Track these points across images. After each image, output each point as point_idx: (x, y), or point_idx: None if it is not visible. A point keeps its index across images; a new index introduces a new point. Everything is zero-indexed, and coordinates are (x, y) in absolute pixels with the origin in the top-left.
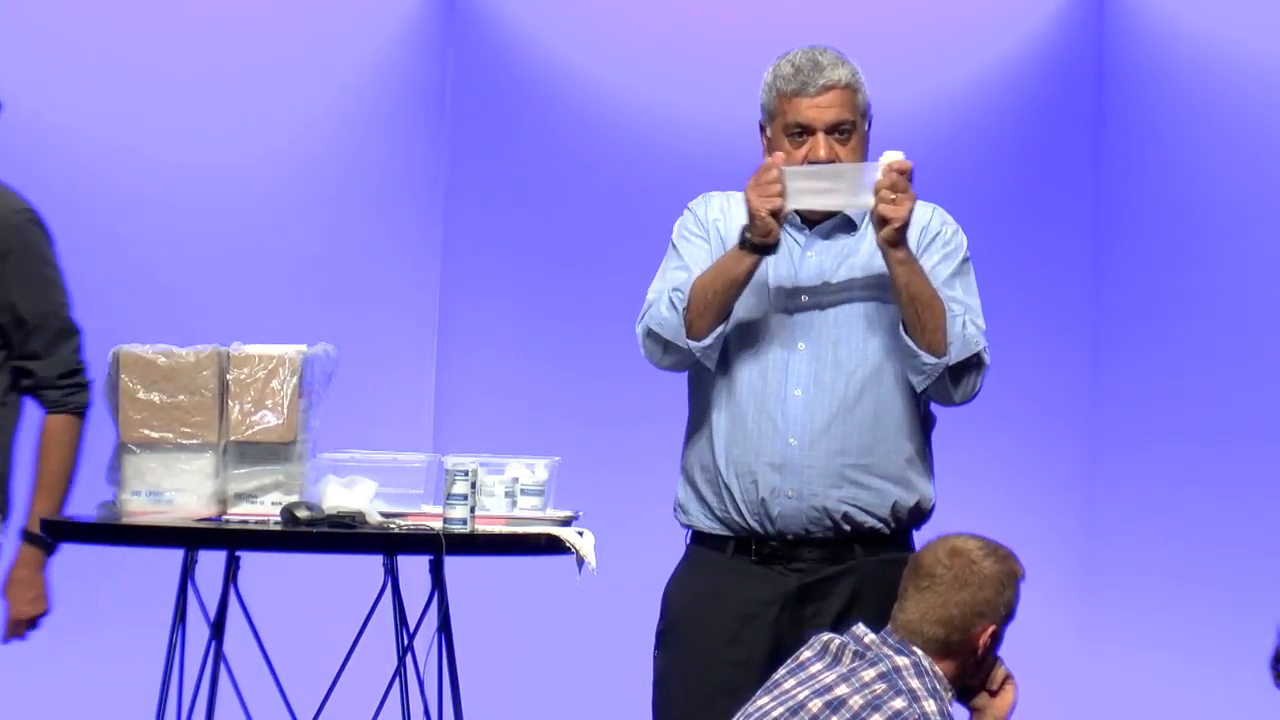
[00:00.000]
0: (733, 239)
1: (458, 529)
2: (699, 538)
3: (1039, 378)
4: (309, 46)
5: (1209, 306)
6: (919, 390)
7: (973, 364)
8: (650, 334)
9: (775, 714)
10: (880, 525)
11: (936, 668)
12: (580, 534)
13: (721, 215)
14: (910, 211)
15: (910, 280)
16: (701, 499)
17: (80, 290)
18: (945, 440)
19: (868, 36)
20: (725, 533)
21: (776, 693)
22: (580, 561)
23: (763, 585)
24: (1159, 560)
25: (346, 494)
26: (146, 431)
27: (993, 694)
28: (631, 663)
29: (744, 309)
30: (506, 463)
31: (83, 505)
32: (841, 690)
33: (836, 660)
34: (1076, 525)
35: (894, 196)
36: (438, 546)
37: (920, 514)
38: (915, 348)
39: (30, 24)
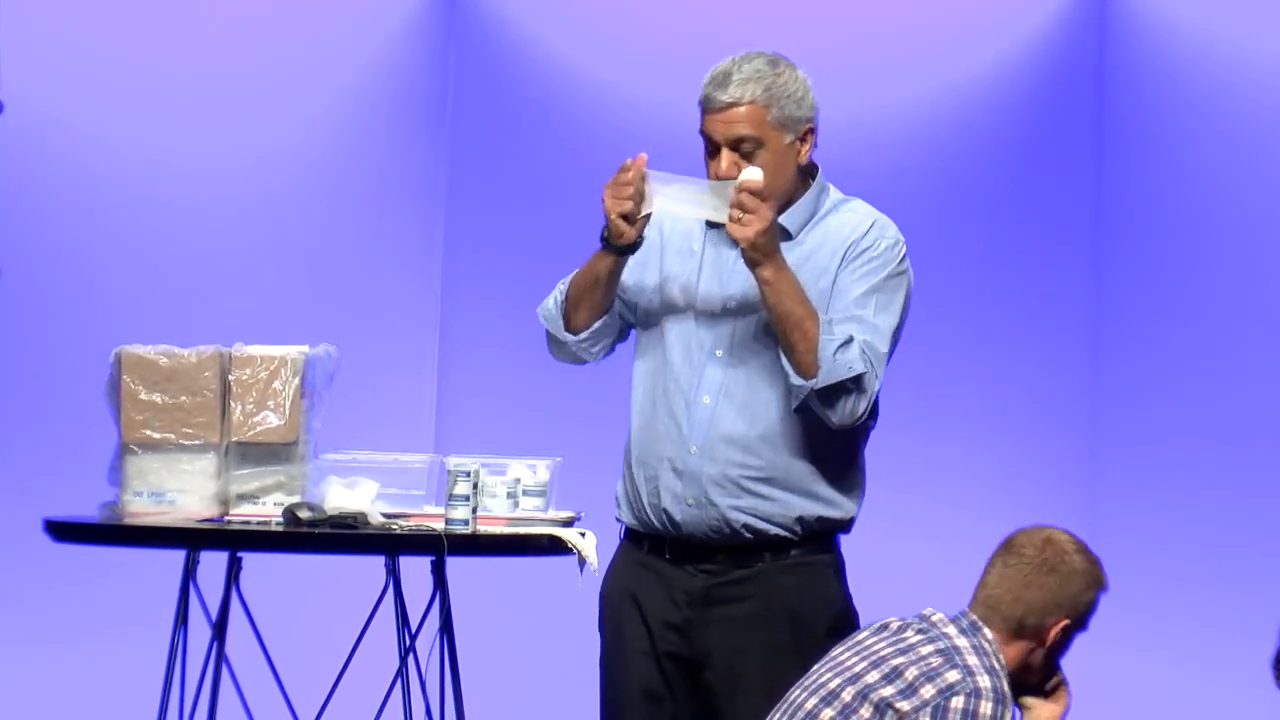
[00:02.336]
0: (667, 232)
1: (459, 530)
2: (626, 532)
3: (1039, 378)
4: (309, 46)
5: (1209, 306)
6: (793, 408)
7: (848, 388)
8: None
9: (832, 684)
10: (786, 534)
11: (1000, 654)
12: (582, 535)
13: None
14: (759, 232)
15: (777, 301)
16: (625, 494)
17: (81, 290)
18: (946, 439)
19: (868, 37)
20: (642, 530)
21: (831, 664)
22: (582, 562)
23: (674, 585)
24: (1159, 560)
25: (348, 495)
26: (148, 432)
27: (1046, 696)
28: None
29: (671, 310)
30: (508, 463)
31: (85, 506)
32: (897, 661)
33: (895, 639)
34: (1076, 525)
35: (741, 216)
36: (440, 547)
37: (838, 525)
38: (786, 366)
39: (31, 25)
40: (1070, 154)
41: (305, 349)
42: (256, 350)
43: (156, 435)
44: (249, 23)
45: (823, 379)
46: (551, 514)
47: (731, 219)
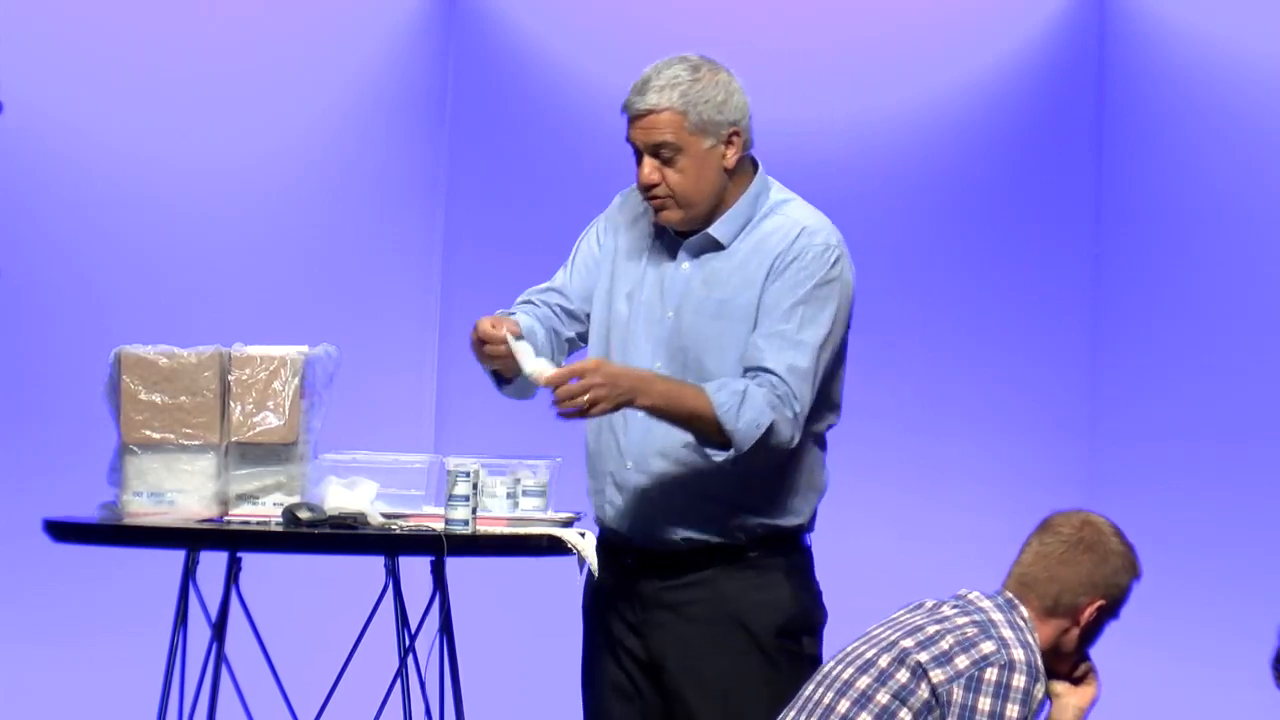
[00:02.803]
0: (617, 238)
1: (459, 530)
2: (599, 535)
3: (1039, 378)
4: (309, 46)
5: (1208, 306)
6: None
7: (765, 439)
8: None
9: (868, 654)
10: (731, 542)
11: (1035, 632)
12: (582, 535)
13: (623, 209)
14: (606, 400)
15: (667, 413)
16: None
17: (81, 290)
18: (945, 439)
19: (868, 37)
20: (604, 533)
21: (867, 638)
22: (582, 563)
23: (632, 589)
24: (1158, 560)
25: (348, 495)
26: (148, 432)
27: (1075, 683)
28: None
29: (617, 321)
30: (508, 464)
31: (84, 506)
32: (933, 629)
33: (931, 613)
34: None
35: (580, 403)
36: (439, 547)
37: (786, 531)
38: (707, 451)
39: (31, 25)
40: (1070, 154)
41: (305, 349)
42: (256, 350)
43: (156, 435)
44: (249, 23)
45: (740, 445)
46: (551, 514)
47: (578, 408)
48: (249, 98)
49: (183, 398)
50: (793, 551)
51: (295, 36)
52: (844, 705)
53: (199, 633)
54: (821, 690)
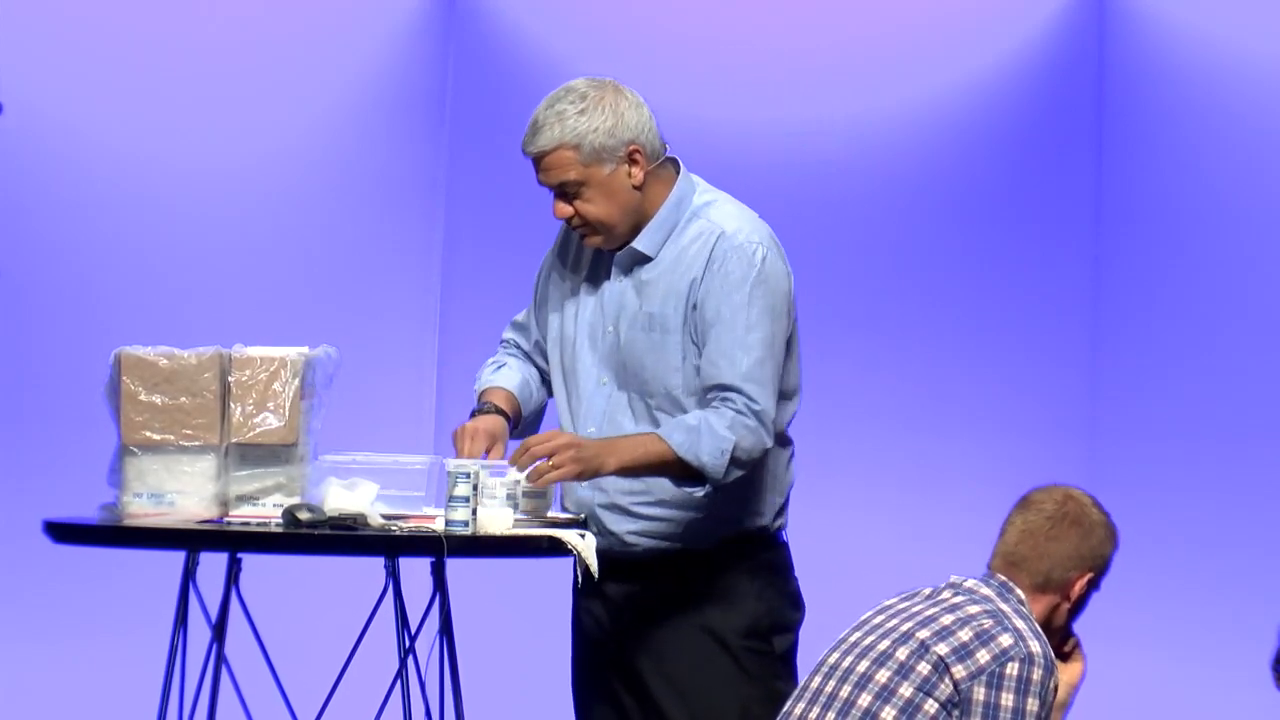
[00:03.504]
0: (563, 261)
1: (459, 531)
2: None
3: (1039, 378)
4: (309, 46)
5: (1209, 307)
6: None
7: (736, 458)
8: None
9: (881, 646)
10: (691, 548)
11: (1032, 614)
12: (582, 536)
13: (567, 236)
14: (581, 470)
15: (638, 469)
16: None
17: (80, 291)
18: (945, 439)
19: (868, 37)
20: None
21: (868, 628)
22: (582, 564)
23: (605, 594)
24: (1158, 560)
25: (348, 496)
26: (148, 433)
27: (1063, 659)
28: None
29: (567, 343)
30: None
31: (84, 507)
32: (947, 619)
33: (935, 602)
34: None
35: (551, 472)
36: (439, 548)
37: (750, 532)
38: (688, 490)
39: (31, 25)
40: (1070, 154)
41: (305, 350)
42: (256, 351)
43: (156, 436)
44: (249, 23)
45: (713, 476)
46: (551, 516)
47: (551, 476)
48: (249, 98)
49: (183, 399)
50: (761, 550)
51: (295, 36)
52: (865, 699)
53: (199, 634)
54: (833, 683)
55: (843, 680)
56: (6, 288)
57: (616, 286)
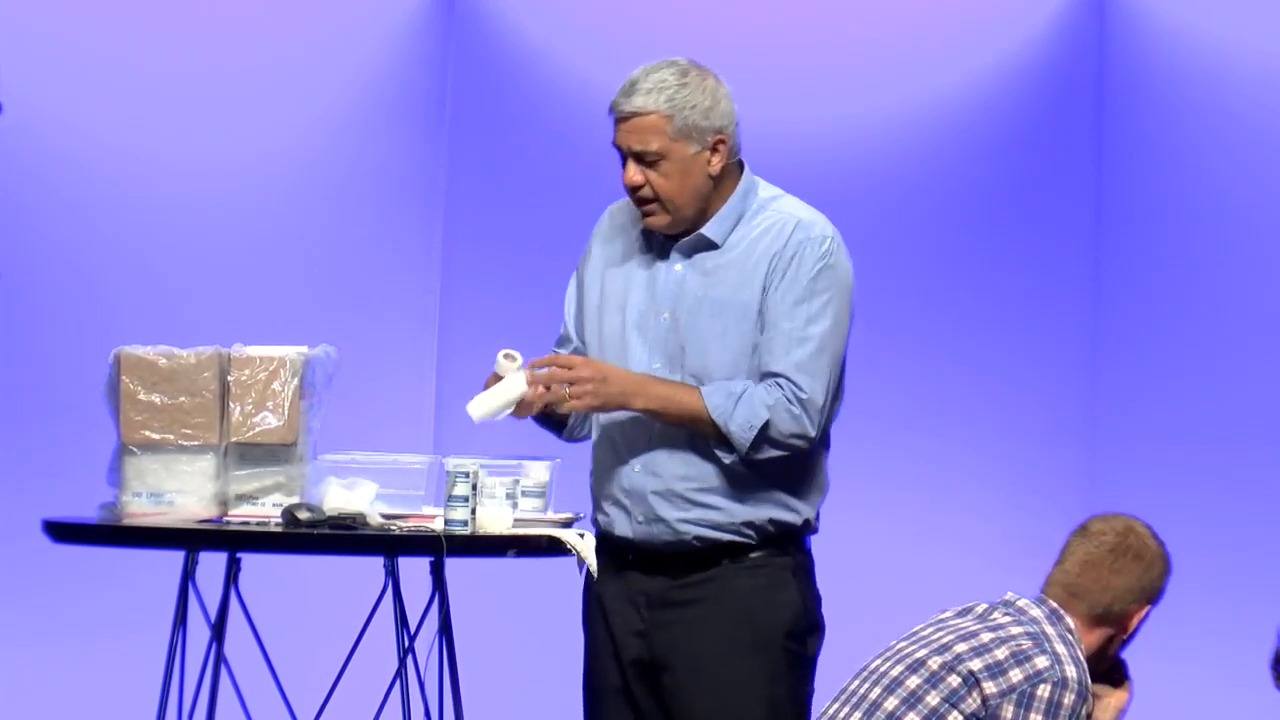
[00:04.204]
0: (603, 255)
1: (458, 531)
2: (599, 536)
3: (1039, 378)
4: (309, 47)
5: (1209, 307)
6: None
7: (768, 436)
8: None
9: (918, 654)
10: (740, 539)
11: (1081, 644)
12: (581, 536)
13: (605, 226)
14: (600, 396)
15: (666, 416)
16: (591, 504)
17: (80, 291)
18: (945, 439)
19: (868, 37)
20: (607, 537)
21: (914, 638)
22: (581, 563)
23: (635, 589)
24: None
25: (347, 495)
26: (147, 433)
27: (1112, 685)
28: None
29: (610, 335)
30: (519, 464)
31: (84, 507)
32: (987, 637)
33: (983, 619)
34: (1075, 525)
35: (572, 392)
36: (438, 548)
37: (794, 528)
38: (715, 451)
39: (31, 25)
40: (1070, 154)
41: (304, 349)
42: (255, 351)
43: (155, 436)
44: (249, 23)
45: (738, 445)
46: (550, 515)
47: (570, 399)
48: (249, 98)
49: (182, 398)
50: (798, 551)
51: (295, 37)
52: (892, 702)
53: (198, 633)
54: (867, 685)
55: (875, 683)
56: (6, 288)
57: (674, 274)
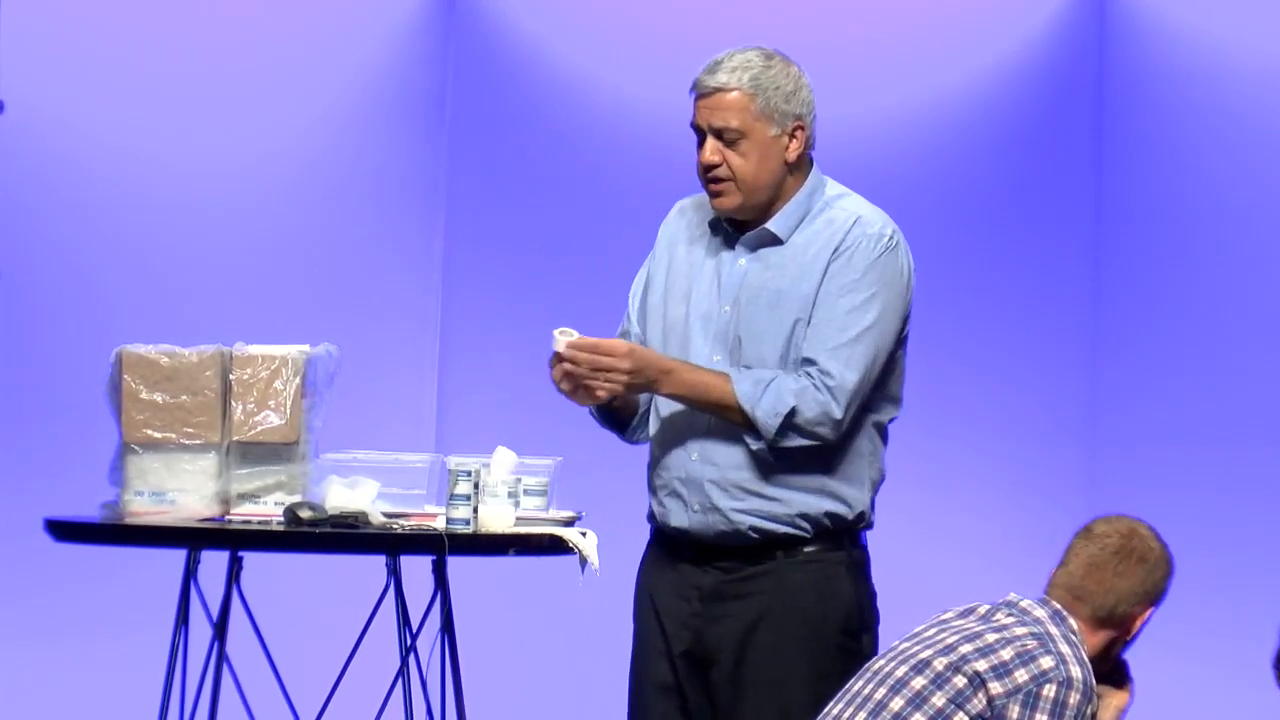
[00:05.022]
0: (670, 249)
1: (460, 529)
2: (653, 531)
3: (1039, 378)
4: (309, 47)
5: (1209, 307)
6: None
7: (794, 424)
8: None
9: (922, 654)
10: (796, 531)
11: (1084, 645)
12: (583, 534)
13: (674, 222)
14: (625, 385)
15: (694, 400)
16: (648, 496)
17: (81, 290)
18: (945, 439)
19: (868, 37)
20: (663, 529)
21: (917, 638)
22: (583, 562)
23: (688, 583)
24: None
25: (349, 494)
26: (149, 432)
27: (1114, 685)
28: None
29: (674, 324)
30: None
31: (85, 505)
32: (992, 637)
33: (986, 620)
34: (1075, 525)
35: (596, 379)
36: (440, 547)
37: (848, 522)
38: (745, 435)
39: (31, 25)
40: (1070, 154)
41: (306, 348)
42: (257, 350)
43: (157, 435)
44: (249, 23)
45: (765, 431)
46: (552, 513)
47: (593, 389)
48: (249, 98)
49: (184, 397)
50: (853, 546)
51: (295, 37)
52: (898, 703)
53: (200, 632)
54: (871, 686)
55: (880, 684)
56: (6, 288)
57: (738, 267)
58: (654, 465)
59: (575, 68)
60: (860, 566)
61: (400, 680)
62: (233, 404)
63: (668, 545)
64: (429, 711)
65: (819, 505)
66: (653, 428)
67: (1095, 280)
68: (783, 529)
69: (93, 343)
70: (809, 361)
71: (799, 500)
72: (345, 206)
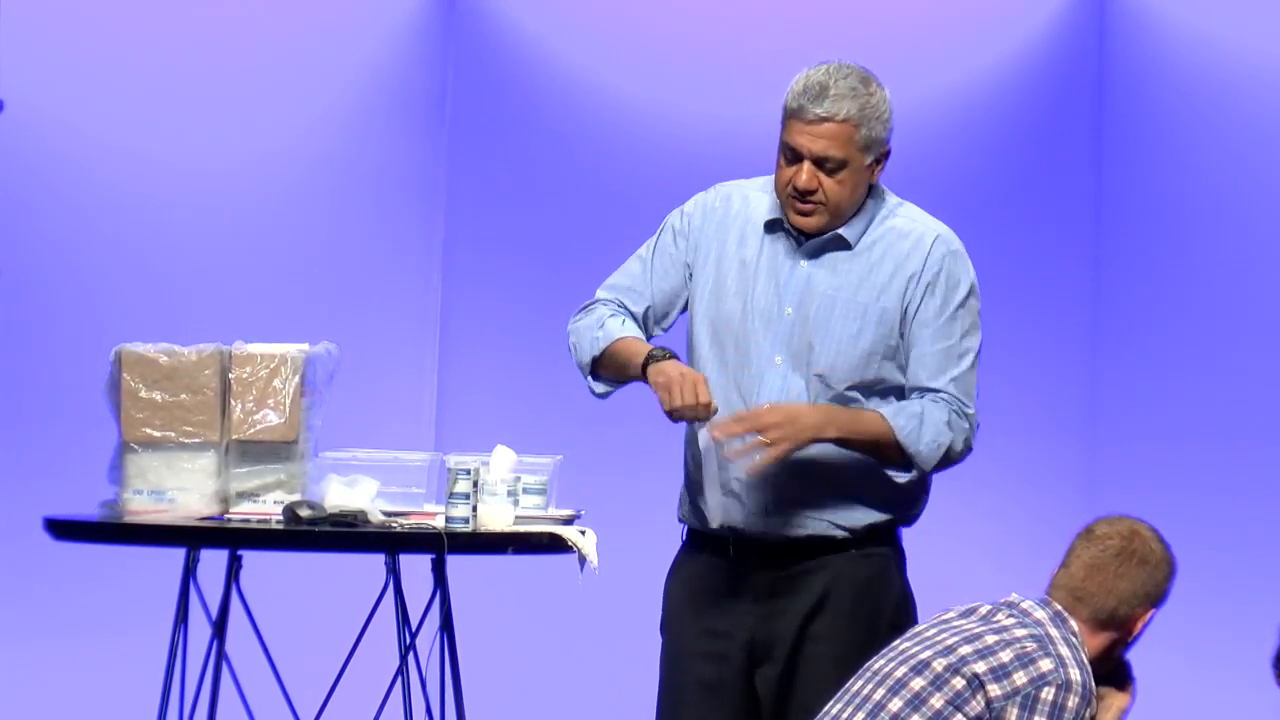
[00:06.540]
0: (718, 236)
1: (459, 528)
2: (688, 533)
3: (1039, 378)
4: (309, 46)
5: (1209, 307)
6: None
7: (949, 455)
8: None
9: (921, 655)
10: (844, 534)
11: (1084, 647)
12: (582, 533)
13: (721, 207)
14: (800, 443)
15: (857, 443)
16: (688, 496)
17: (81, 290)
18: None
19: (868, 37)
20: (704, 529)
21: (917, 638)
22: (582, 560)
23: (738, 582)
24: None
25: (348, 493)
26: (148, 430)
27: (1115, 686)
28: (633, 661)
29: (729, 319)
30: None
31: (85, 504)
32: (991, 639)
33: (986, 621)
34: (1075, 525)
35: (773, 439)
36: (440, 545)
37: (898, 522)
38: (889, 472)
39: (32, 25)
40: (1070, 154)
41: (305, 347)
42: (256, 348)
43: (157, 433)
44: (249, 23)
45: (923, 465)
46: (551, 512)
47: (770, 449)
48: (249, 97)
49: (183, 396)
50: (894, 542)
51: (295, 36)
52: (896, 704)
53: (199, 631)
54: (871, 686)
55: (878, 684)
56: (6, 287)
57: (802, 270)
58: (701, 464)
59: (575, 68)
60: (900, 563)
61: (399, 679)
62: (232, 403)
63: (711, 544)
64: (428, 710)
65: (872, 512)
66: (695, 431)
67: (1095, 280)
68: (836, 532)
69: (92, 342)
70: (935, 390)
71: (853, 505)
72: (345, 206)
